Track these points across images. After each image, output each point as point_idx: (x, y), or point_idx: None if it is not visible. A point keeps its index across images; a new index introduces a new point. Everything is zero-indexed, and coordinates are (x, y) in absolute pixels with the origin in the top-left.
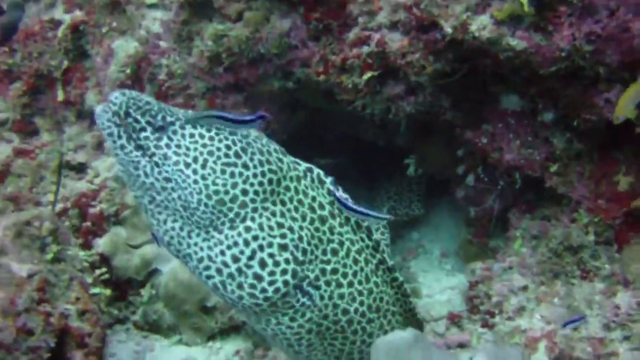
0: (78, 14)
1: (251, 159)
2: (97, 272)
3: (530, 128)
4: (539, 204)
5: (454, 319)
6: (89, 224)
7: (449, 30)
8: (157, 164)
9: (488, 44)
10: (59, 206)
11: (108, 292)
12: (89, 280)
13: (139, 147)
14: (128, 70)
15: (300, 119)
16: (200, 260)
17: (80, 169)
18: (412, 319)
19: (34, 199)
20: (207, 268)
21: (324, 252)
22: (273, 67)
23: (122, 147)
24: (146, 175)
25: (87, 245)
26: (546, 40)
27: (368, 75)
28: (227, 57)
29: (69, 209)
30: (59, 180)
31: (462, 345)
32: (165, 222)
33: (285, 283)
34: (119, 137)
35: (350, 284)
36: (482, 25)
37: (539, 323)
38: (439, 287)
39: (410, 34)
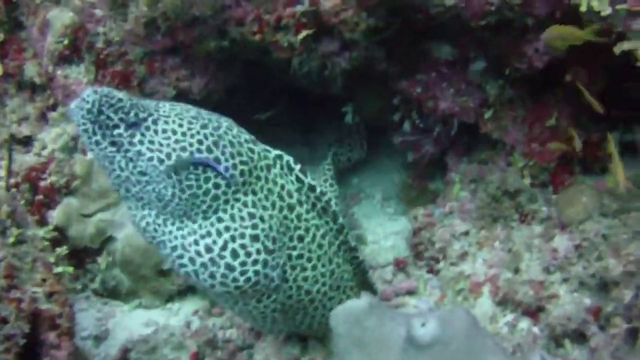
0: None
1: (222, 152)
2: (58, 250)
3: (463, 76)
4: (475, 147)
5: (399, 265)
6: (41, 197)
7: None
8: (131, 159)
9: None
10: (11, 181)
11: (71, 269)
12: (52, 259)
13: (113, 143)
14: (66, 41)
15: (237, 72)
16: (174, 248)
17: (26, 142)
18: (369, 289)
19: None
20: (180, 257)
21: (291, 239)
22: (209, 27)
23: (97, 143)
24: (121, 169)
25: (41, 219)
26: None
27: (303, 34)
28: (163, 22)
29: (20, 183)
30: (11, 156)
31: (410, 292)
32: (141, 211)
33: (256, 273)
34: (94, 133)
35: (314, 267)
36: None
37: (481, 268)
38: (383, 233)
39: None
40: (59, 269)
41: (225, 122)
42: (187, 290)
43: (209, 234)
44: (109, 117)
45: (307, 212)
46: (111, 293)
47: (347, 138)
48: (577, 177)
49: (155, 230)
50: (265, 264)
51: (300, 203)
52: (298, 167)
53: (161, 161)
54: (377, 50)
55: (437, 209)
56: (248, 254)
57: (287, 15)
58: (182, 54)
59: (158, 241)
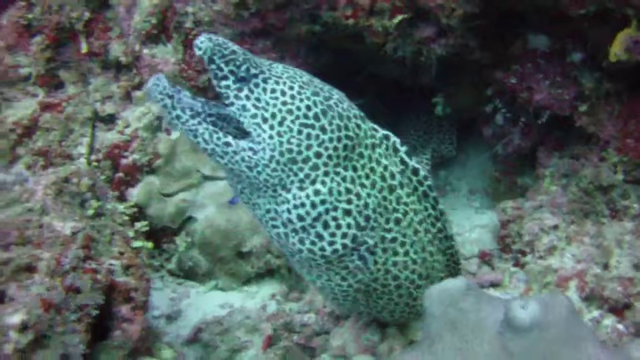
0: None
1: (330, 123)
2: (137, 225)
3: (559, 68)
4: (567, 142)
5: (485, 258)
6: (121, 174)
7: None
8: (215, 131)
9: None
10: (92, 158)
11: (150, 245)
12: (130, 234)
13: (197, 114)
14: (154, 20)
15: (328, 58)
16: (268, 211)
17: (109, 120)
18: None
19: (64, 152)
20: (274, 219)
21: (387, 221)
22: (300, 11)
23: (178, 117)
24: (205, 142)
25: (122, 197)
26: None
27: (398, 18)
28: (254, 3)
29: (101, 160)
30: (94, 133)
31: (494, 285)
32: (238, 176)
33: (344, 246)
34: (173, 108)
35: (406, 253)
36: None
37: (569, 262)
38: (468, 225)
39: None
40: (138, 243)
41: (337, 94)
42: (265, 274)
43: (302, 205)
44: (219, 67)
45: (408, 195)
46: (187, 274)
47: (437, 132)
48: None
49: (250, 197)
50: (354, 239)
51: (401, 185)
52: (404, 149)
53: (265, 120)
54: (472, 38)
55: (526, 202)
56: (338, 227)
57: None
58: (272, 36)
59: (253, 202)
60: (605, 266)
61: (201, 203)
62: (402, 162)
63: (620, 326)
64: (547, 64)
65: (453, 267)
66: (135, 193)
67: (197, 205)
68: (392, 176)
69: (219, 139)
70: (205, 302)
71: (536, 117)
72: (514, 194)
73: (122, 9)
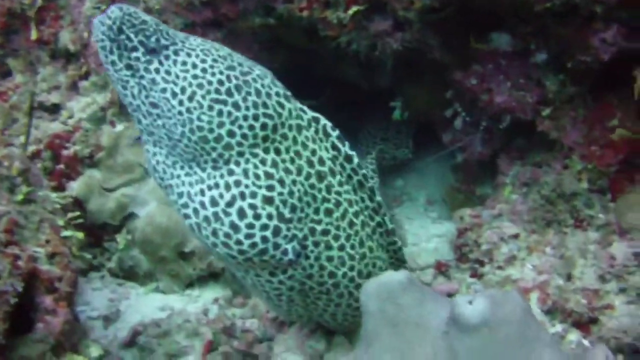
0: None
1: (244, 99)
2: (70, 215)
3: (522, 69)
4: (529, 149)
5: (441, 268)
6: (62, 166)
7: None
8: (144, 88)
9: None
10: (32, 148)
11: (80, 235)
12: (61, 222)
13: (129, 67)
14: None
15: (281, 59)
16: (180, 195)
17: (53, 110)
18: None
19: (6, 141)
20: (185, 206)
21: (316, 212)
22: (254, 2)
23: (113, 63)
24: (133, 96)
25: (60, 189)
26: None
27: (354, 9)
28: None
29: (42, 150)
30: (30, 121)
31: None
32: (152, 147)
33: (264, 239)
34: (111, 52)
35: (341, 248)
36: None
37: (530, 273)
38: (425, 235)
39: None
40: (67, 233)
41: (259, 70)
42: (209, 277)
43: (216, 185)
44: (128, 38)
45: (340, 184)
46: (127, 274)
47: (394, 136)
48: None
49: (164, 171)
50: (276, 231)
51: (332, 173)
52: (336, 133)
53: (174, 95)
54: (431, 36)
55: (485, 210)
56: (257, 216)
57: None
58: (224, 28)
59: (166, 184)
60: (569, 277)
61: (143, 199)
62: (334, 147)
63: (585, 342)
64: (509, 64)
65: (397, 267)
66: (75, 186)
67: (139, 201)
68: (322, 162)
69: (147, 96)
70: (146, 305)
71: (497, 121)
72: (473, 203)
73: None
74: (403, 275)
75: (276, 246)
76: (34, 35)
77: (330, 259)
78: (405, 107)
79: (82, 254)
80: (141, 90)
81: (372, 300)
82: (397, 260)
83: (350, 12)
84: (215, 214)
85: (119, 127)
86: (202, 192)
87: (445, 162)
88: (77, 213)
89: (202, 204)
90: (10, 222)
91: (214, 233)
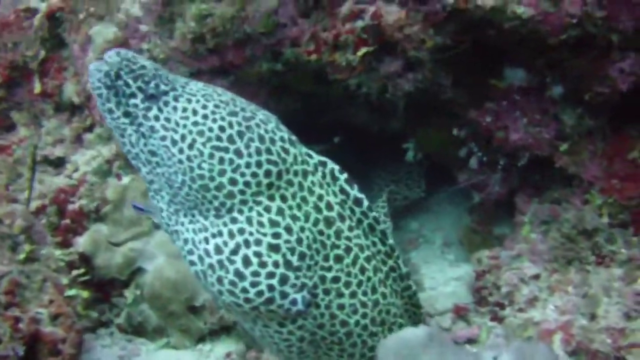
0: (54, 0)
1: (247, 146)
2: (75, 272)
3: (538, 104)
4: (547, 186)
5: (460, 312)
6: (67, 221)
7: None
8: (143, 135)
9: (492, 12)
10: (37, 203)
11: (86, 293)
12: (65, 281)
13: (127, 114)
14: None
15: (290, 105)
16: (186, 241)
17: (58, 163)
18: None
19: (10, 196)
20: (191, 252)
21: (326, 258)
22: (261, 47)
23: (110, 111)
24: (132, 144)
25: (66, 244)
26: (554, 6)
27: (363, 51)
28: (212, 38)
29: (47, 206)
30: (33, 176)
31: (471, 341)
32: (156, 193)
33: (271, 288)
34: (108, 100)
35: (353, 295)
36: None
37: (553, 314)
38: (442, 279)
39: (407, 5)
40: (72, 292)
41: (262, 115)
42: (221, 331)
43: (220, 233)
44: (126, 84)
45: (350, 229)
46: (137, 330)
47: (405, 178)
48: None
49: (169, 217)
50: (283, 280)
51: (341, 218)
52: (344, 176)
53: (174, 143)
54: (444, 75)
55: (504, 251)
56: (262, 264)
57: (347, 31)
58: (231, 75)
59: (172, 230)
60: (593, 317)
61: (151, 253)
62: (342, 191)
63: None
64: (525, 100)
65: (413, 312)
66: (81, 241)
67: (147, 255)
68: (329, 207)
69: (145, 144)
70: None
71: (514, 159)
72: (491, 244)
73: (77, 46)
74: (423, 332)
75: (284, 295)
76: (37, 88)
77: (341, 307)
78: (418, 148)
79: (88, 312)
80: (139, 138)
81: (391, 358)
82: (413, 306)
83: (360, 53)
84: (220, 262)
85: (125, 179)
86: (206, 240)
87: (461, 203)
88: (83, 270)
89: (207, 252)
90: (11, 282)
91: (219, 280)
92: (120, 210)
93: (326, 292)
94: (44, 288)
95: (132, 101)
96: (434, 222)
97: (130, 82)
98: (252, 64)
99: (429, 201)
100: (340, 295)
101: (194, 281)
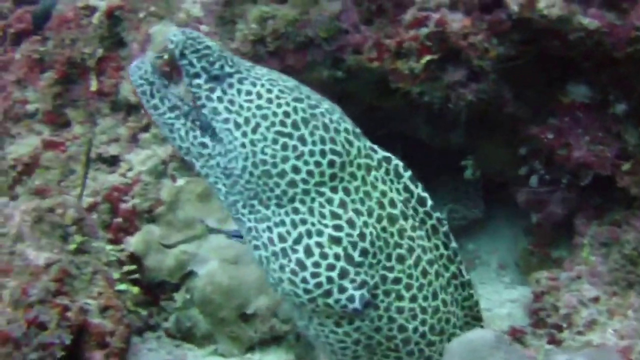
0: None
1: (311, 134)
2: (126, 268)
3: (600, 122)
4: (607, 207)
5: (516, 335)
6: (120, 220)
7: (514, 8)
8: (192, 129)
9: (557, 23)
10: (89, 200)
11: (136, 290)
12: (116, 275)
13: (172, 109)
14: (166, 56)
15: (349, 115)
16: (249, 230)
17: (112, 162)
18: None
19: (62, 191)
20: (256, 238)
21: (388, 258)
22: (322, 53)
23: (155, 107)
24: (181, 139)
25: (117, 243)
26: (621, 18)
27: (426, 58)
28: (273, 41)
29: (99, 203)
30: (87, 170)
31: None
32: (215, 184)
33: (330, 280)
34: (152, 96)
35: (413, 299)
36: (551, 3)
37: (612, 338)
38: (498, 300)
39: (472, 14)
40: (122, 286)
41: (327, 104)
42: (271, 341)
43: (282, 222)
44: (191, 63)
45: (413, 229)
46: (185, 335)
47: (464, 195)
48: None
49: (229, 209)
50: (343, 274)
51: (404, 216)
52: (408, 174)
53: (237, 125)
54: (506, 88)
55: (563, 272)
56: (324, 256)
57: (410, 38)
58: None
59: (237, 216)
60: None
61: (204, 257)
62: (406, 189)
63: None
64: (587, 116)
65: (473, 325)
66: (133, 241)
67: (199, 259)
68: (393, 204)
69: (195, 137)
70: None
71: (577, 178)
72: (548, 267)
73: (136, 45)
74: (490, 334)
75: (342, 289)
76: (94, 86)
77: (400, 310)
78: (478, 165)
79: (137, 309)
80: (188, 132)
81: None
82: (474, 319)
83: (423, 61)
84: (284, 250)
85: (180, 181)
86: (269, 229)
87: (518, 223)
88: (134, 267)
89: (271, 240)
90: (60, 271)
91: (281, 268)
92: (173, 211)
93: (386, 293)
94: (93, 280)
95: (196, 81)
96: (490, 243)
97: (195, 61)
98: (312, 69)
99: (485, 222)
100: (400, 298)
101: (246, 288)
